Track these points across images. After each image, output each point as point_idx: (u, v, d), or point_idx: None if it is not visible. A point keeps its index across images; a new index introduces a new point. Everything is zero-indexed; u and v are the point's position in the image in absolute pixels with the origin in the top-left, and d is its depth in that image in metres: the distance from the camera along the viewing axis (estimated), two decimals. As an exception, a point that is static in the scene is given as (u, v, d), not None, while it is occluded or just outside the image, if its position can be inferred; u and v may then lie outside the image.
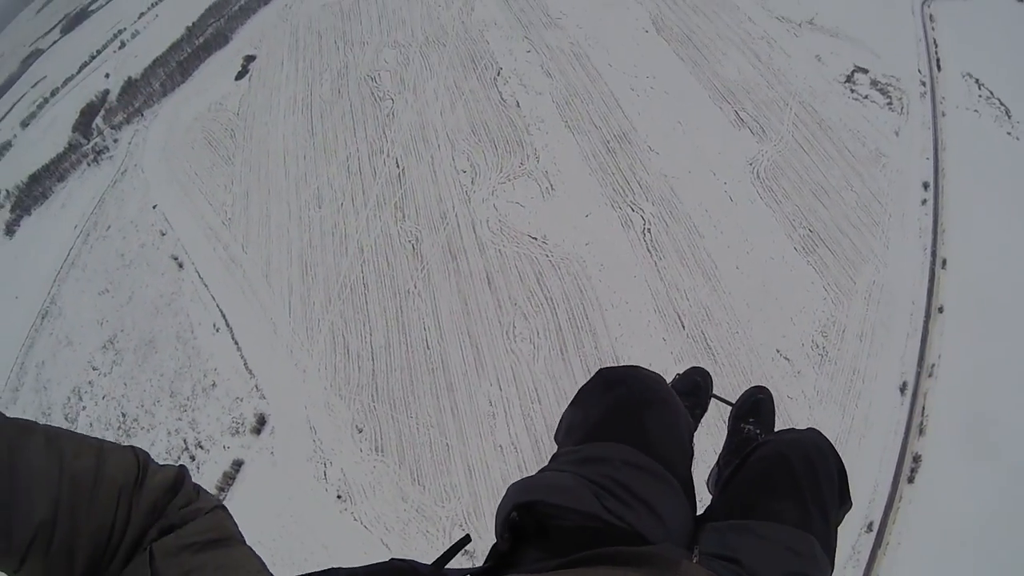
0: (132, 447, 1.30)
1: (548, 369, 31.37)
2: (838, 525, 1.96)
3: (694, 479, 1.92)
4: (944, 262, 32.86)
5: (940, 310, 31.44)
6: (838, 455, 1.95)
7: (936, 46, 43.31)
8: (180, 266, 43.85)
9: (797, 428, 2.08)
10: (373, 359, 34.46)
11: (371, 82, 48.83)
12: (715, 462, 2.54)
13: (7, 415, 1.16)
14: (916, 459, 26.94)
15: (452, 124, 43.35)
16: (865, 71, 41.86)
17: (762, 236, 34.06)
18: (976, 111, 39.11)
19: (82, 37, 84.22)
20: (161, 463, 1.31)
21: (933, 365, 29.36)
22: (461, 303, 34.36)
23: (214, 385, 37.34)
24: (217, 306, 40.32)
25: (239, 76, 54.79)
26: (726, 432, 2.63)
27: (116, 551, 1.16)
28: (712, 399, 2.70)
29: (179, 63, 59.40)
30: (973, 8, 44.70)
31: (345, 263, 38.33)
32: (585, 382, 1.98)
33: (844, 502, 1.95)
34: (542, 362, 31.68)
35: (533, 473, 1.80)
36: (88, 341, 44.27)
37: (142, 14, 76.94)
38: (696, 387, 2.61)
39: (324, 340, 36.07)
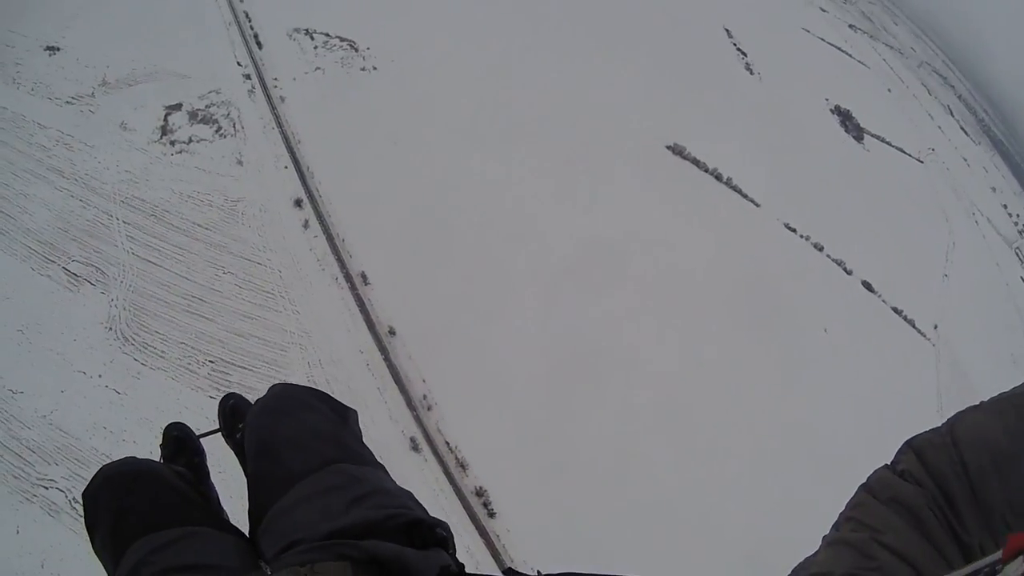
0: None
1: None
2: (358, 427, 2.07)
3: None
4: (364, 277, 28.35)
5: (392, 332, 27.12)
6: (303, 389, 2.07)
7: (250, 20, 36.06)
8: None
9: (261, 397, 2.11)
10: None
11: None
12: None
13: None
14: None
15: None
16: (178, 107, 32.93)
17: (154, 417, 24.07)
18: (319, 69, 34.00)
19: None
20: None
21: (427, 398, 26.39)
22: None
23: None
24: None
25: None
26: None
27: None
28: (201, 439, 2.62)
29: None
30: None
31: None
32: (86, 486, 1.94)
33: (347, 413, 2.05)
34: None
35: None
36: None
37: None
38: (180, 442, 2.51)
39: None
